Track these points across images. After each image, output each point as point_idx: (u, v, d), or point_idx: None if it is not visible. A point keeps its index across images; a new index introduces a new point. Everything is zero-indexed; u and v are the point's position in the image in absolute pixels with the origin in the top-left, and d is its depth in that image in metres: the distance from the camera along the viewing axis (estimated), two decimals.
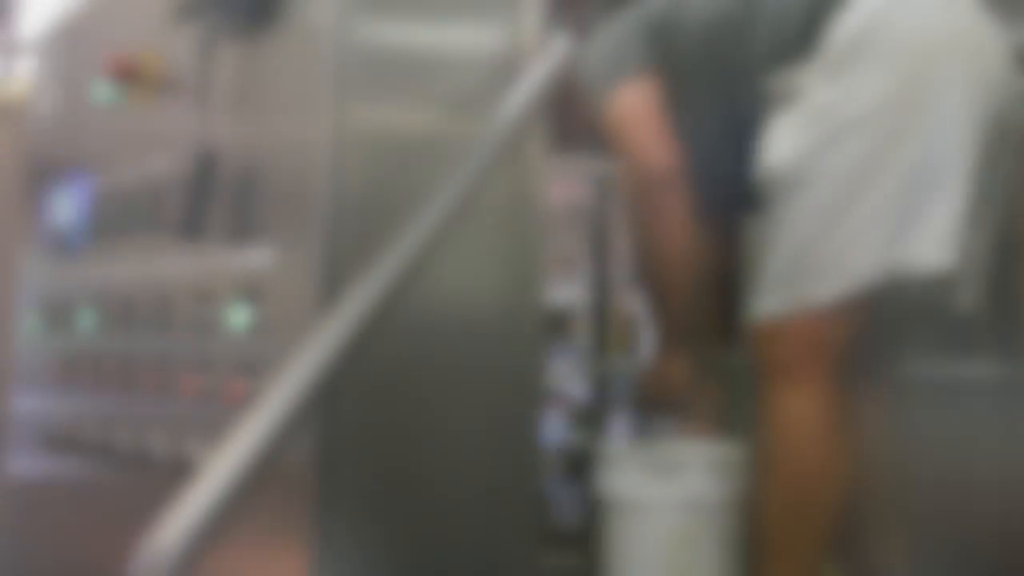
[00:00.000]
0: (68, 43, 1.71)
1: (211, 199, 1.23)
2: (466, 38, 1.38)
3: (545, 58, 1.35)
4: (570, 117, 1.48)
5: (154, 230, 1.40)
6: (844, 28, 1.26)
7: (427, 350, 1.23)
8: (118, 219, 1.47)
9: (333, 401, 1.09)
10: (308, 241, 1.16)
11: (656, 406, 1.44)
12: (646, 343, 1.99)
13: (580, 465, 1.73)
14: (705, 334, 1.43)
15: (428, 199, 1.15)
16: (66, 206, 1.63)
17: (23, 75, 2.33)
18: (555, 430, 1.86)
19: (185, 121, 1.33)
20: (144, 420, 1.41)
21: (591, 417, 1.93)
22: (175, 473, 1.24)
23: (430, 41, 1.32)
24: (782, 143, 1.26)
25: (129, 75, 1.41)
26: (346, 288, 1.08)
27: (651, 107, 1.43)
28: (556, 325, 2.08)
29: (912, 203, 1.22)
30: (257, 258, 1.21)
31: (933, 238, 1.20)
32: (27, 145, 1.84)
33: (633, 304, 2.09)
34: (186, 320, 1.31)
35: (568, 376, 2.08)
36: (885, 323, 1.32)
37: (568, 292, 2.17)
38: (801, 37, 1.29)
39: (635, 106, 1.43)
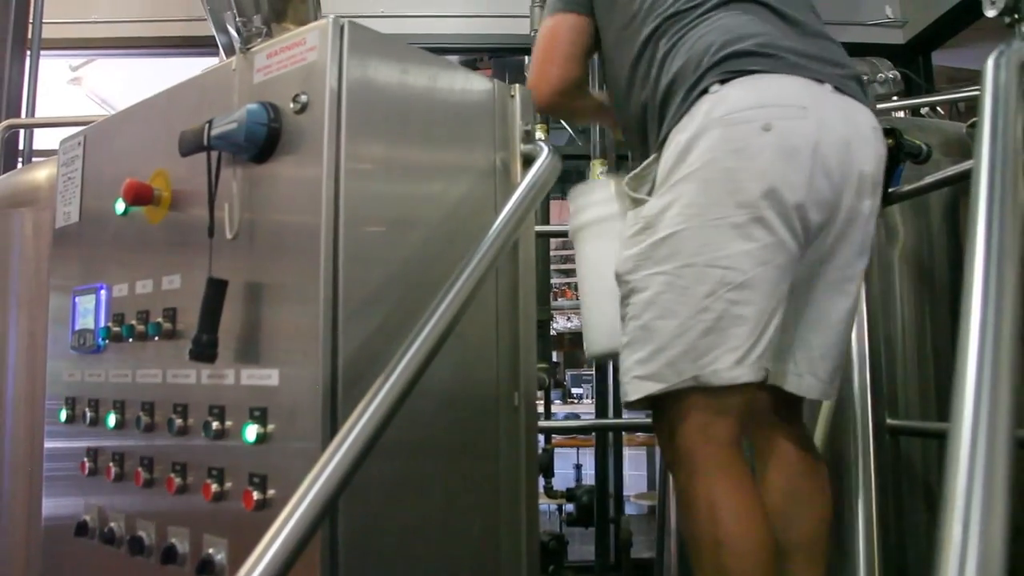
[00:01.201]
0: (91, 151, 1.81)
1: (220, 321, 1.33)
2: (458, 160, 1.48)
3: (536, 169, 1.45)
4: None
5: (171, 340, 1.51)
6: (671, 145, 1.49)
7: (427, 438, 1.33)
8: (138, 327, 1.57)
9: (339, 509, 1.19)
10: (311, 362, 1.26)
11: None
12: None
13: None
14: None
15: (425, 318, 1.24)
16: (88, 308, 1.74)
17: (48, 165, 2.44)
18: None
19: (197, 239, 1.43)
20: (167, 515, 1.51)
21: None
22: (201, 571, 1.36)
23: (422, 166, 1.42)
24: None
25: (144, 199, 1.51)
26: (350, 405, 1.18)
27: (566, 38, 1.78)
28: None
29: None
30: (265, 377, 1.31)
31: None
32: (54, 244, 1.94)
33: None
34: (201, 429, 1.40)
35: None
36: None
37: None
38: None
39: (553, 31, 1.79)
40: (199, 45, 4.37)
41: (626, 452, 4.62)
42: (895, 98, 2.69)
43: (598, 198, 1.80)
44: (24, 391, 2.33)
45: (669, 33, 1.55)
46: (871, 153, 1.53)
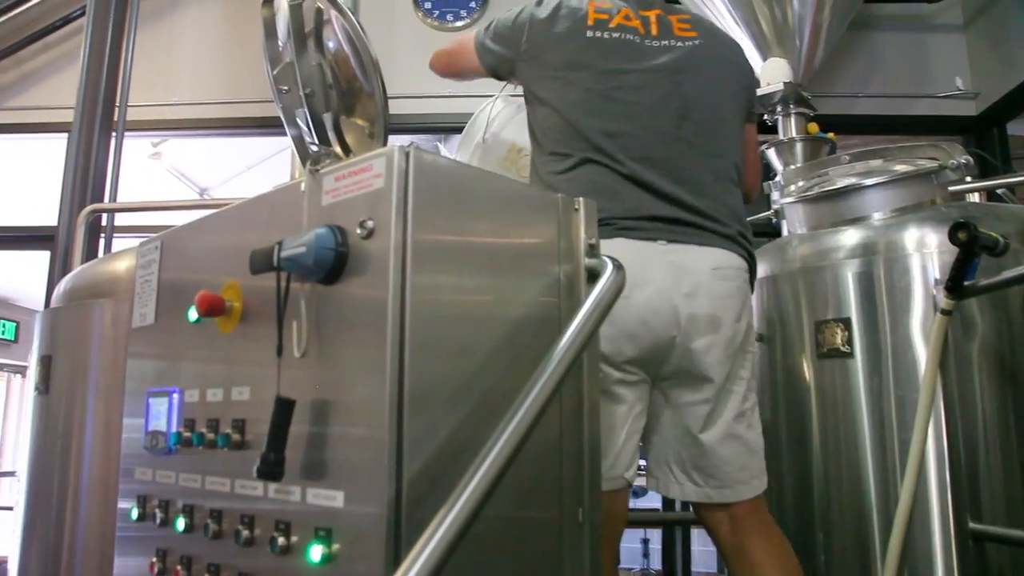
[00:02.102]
0: (167, 256, 1.87)
1: (287, 440, 1.35)
2: (522, 275, 1.48)
3: (601, 285, 1.45)
4: None
5: (240, 451, 1.53)
6: None
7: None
8: (208, 435, 1.60)
9: None
10: (375, 486, 1.26)
11: None
12: None
13: None
14: None
15: (491, 441, 1.24)
16: (161, 410, 1.78)
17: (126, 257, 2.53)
18: None
19: (266, 353, 1.46)
20: None
21: None
22: None
23: (487, 283, 1.43)
24: None
25: (216, 310, 1.55)
26: (414, 529, 1.17)
27: (466, 67, 2.30)
28: None
29: None
30: (330, 498, 1.31)
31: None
32: (130, 341, 2.00)
33: None
34: (267, 543, 1.40)
35: None
36: None
37: None
38: None
39: (465, 53, 2.27)
40: (271, 126, 4.52)
41: (695, 532, 4.51)
42: (968, 179, 2.63)
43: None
44: (98, 478, 2.39)
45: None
46: (704, 296, 1.89)
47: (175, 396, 1.73)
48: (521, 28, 2.11)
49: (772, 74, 3.53)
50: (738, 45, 2.30)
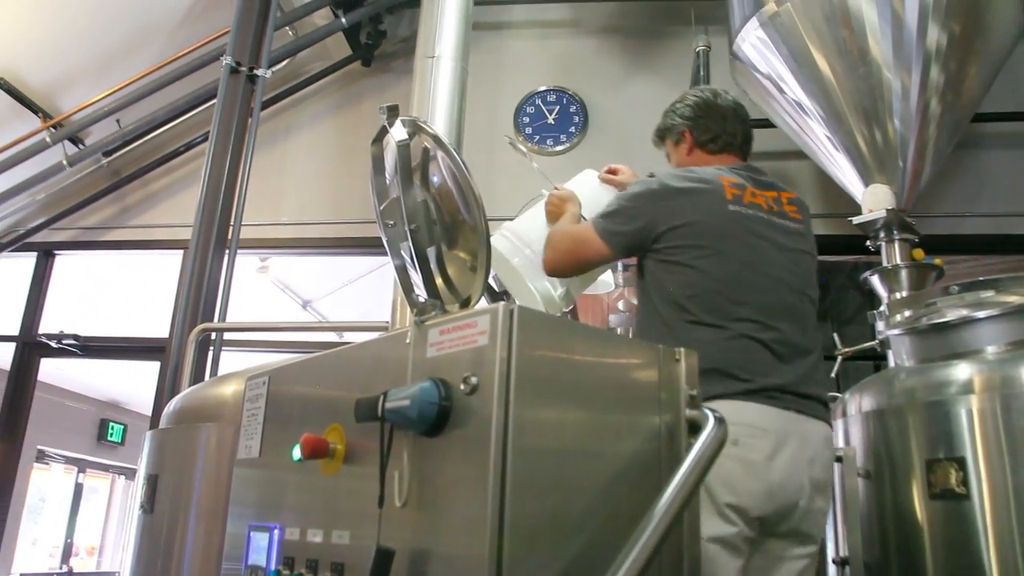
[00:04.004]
0: (274, 392, 1.93)
1: None
2: (623, 427, 1.48)
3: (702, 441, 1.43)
4: None
5: None
6: None
7: None
8: (306, 575, 1.61)
9: None
10: None
11: None
12: None
13: None
14: None
15: None
16: (261, 545, 1.80)
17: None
18: None
19: (366, 499, 1.47)
20: None
21: None
22: None
23: (588, 438, 1.43)
24: None
25: (320, 453, 1.59)
26: None
27: (588, 260, 2.26)
28: None
29: None
30: None
31: None
32: (235, 471, 2.05)
33: None
34: None
35: None
36: None
37: None
38: None
39: (584, 244, 2.23)
40: (371, 246, 4.71)
41: None
42: None
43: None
44: None
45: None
46: (819, 464, 2.03)
47: (276, 532, 1.76)
48: (655, 199, 2.15)
49: (874, 201, 3.48)
50: None
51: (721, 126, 2.37)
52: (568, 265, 2.27)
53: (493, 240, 2.21)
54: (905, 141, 3.65)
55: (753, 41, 4.00)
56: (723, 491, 1.86)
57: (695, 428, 1.50)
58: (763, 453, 1.91)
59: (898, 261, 3.43)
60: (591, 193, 2.55)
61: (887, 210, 3.42)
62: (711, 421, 1.46)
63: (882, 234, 3.49)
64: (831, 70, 3.74)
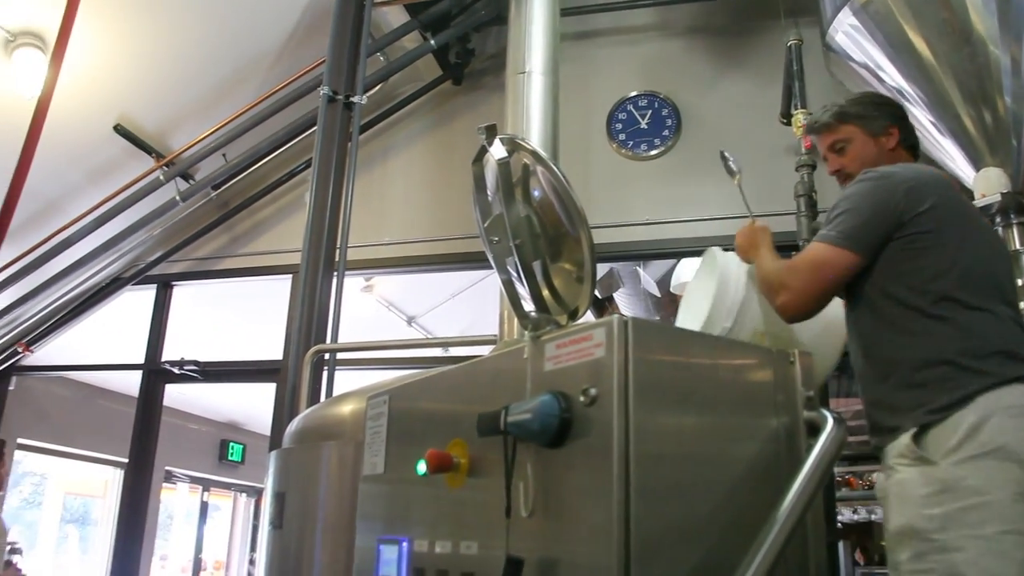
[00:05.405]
0: (395, 410, 2.00)
1: None
2: (741, 431, 1.49)
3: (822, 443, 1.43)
4: None
5: None
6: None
7: None
8: None
9: None
10: None
11: None
12: None
13: None
14: None
15: None
16: (391, 558, 1.87)
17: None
18: None
19: (493, 510, 1.52)
20: None
21: None
22: None
23: (707, 445, 1.44)
24: None
25: (445, 468, 1.65)
26: None
27: (835, 278, 2.01)
28: None
29: None
30: None
31: None
32: (361, 487, 2.14)
33: None
34: None
35: None
36: None
37: None
38: None
39: (826, 263, 2.01)
40: (473, 260, 4.79)
41: None
42: None
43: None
44: None
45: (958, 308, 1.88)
46: None
47: (404, 545, 1.83)
48: (890, 193, 2.00)
49: (987, 185, 3.34)
50: None
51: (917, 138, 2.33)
52: (819, 299, 1.99)
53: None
54: (1018, 119, 3.47)
55: (847, 30, 3.91)
56: None
57: (814, 430, 1.49)
58: None
59: (1018, 246, 3.29)
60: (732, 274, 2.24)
61: (1002, 194, 3.28)
62: (830, 422, 1.45)
63: (998, 219, 3.34)
64: (932, 53, 3.61)
